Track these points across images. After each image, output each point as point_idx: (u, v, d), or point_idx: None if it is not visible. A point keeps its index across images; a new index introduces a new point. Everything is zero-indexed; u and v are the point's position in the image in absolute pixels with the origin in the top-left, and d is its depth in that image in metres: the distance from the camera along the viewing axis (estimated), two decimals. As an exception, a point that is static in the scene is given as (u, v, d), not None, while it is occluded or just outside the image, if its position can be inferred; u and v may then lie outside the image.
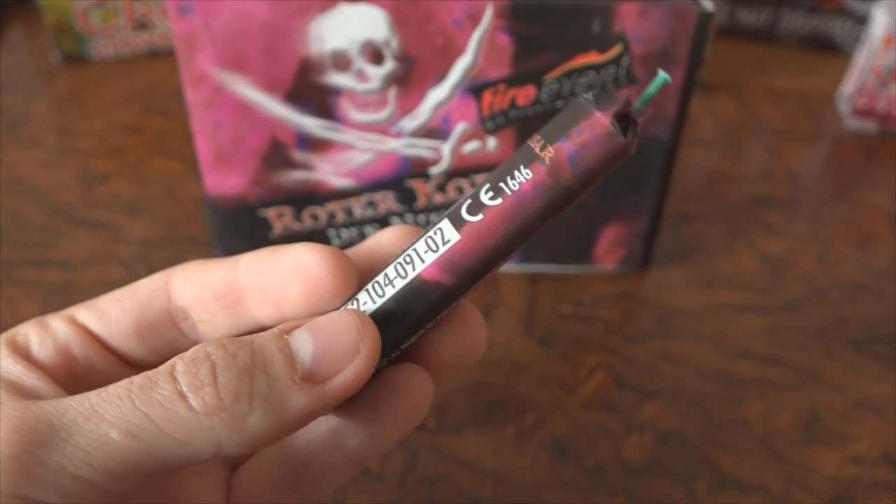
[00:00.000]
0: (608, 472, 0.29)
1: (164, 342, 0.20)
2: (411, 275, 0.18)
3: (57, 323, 0.19)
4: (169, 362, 0.16)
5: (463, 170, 0.34)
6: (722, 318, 0.36)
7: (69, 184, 0.43)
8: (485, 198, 0.17)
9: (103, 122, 0.49)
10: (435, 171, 0.34)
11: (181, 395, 0.16)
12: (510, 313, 0.36)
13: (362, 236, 0.36)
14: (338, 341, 0.17)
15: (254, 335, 0.17)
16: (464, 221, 0.17)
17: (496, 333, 0.34)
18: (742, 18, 0.62)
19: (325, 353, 0.17)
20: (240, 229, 0.35)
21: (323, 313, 0.18)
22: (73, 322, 0.19)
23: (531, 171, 0.17)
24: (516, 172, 0.17)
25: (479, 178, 0.34)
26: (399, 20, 0.30)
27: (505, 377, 0.33)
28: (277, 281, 0.18)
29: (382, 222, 0.36)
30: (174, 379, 0.16)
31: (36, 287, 0.36)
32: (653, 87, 0.16)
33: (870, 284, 0.39)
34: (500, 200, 0.17)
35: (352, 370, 0.17)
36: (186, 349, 0.20)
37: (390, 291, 0.18)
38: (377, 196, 0.35)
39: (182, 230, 0.40)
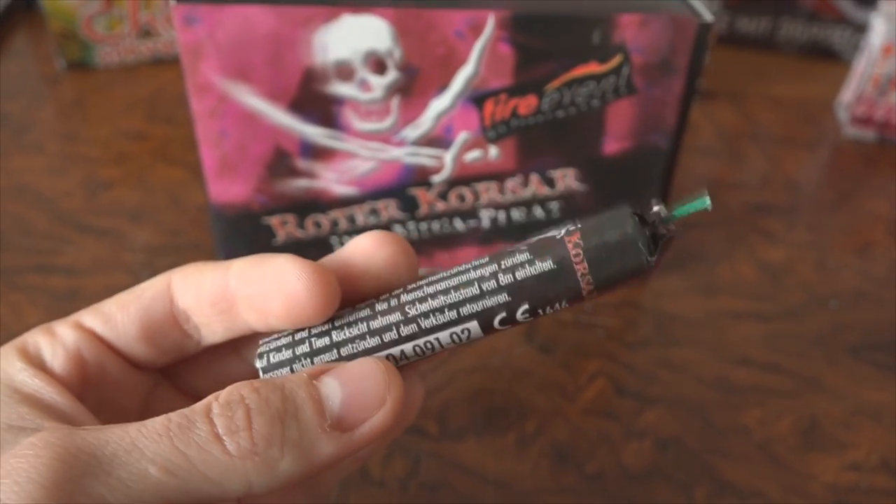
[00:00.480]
0: (608, 478, 0.29)
1: (170, 342, 0.20)
2: (429, 354, 0.19)
3: (64, 329, 0.20)
4: (205, 402, 0.17)
5: (465, 178, 0.34)
6: (721, 326, 0.36)
7: (74, 190, 0.43)
8: (521, 317, 0.17)
9: (108, 129, 0.49)
10: (437, 179, 0.34)
11: (217, 437, 0.16)
12: (511, 320, 0.36)
13: (365, 243, 0.36)
14: (365, 390, 0.18)
15: (285, 378, 0.18)
16: (494, 329, 0.18)
17: (497, 340, 0.35)
18: (742, 26, 0.62)
19: (353, 401, 0.17)
20: (243, 237, 0.36)
21: (303, 326, 0.19)
22: (80, 327, 0.20)
23: (570, 304, 0.17)
24: (558, 306, 0.17)
25: (480, 186, 0.35)
26: (401, 31, 0.30)
27: (506, 384, 0.33)
28: (262, 292, 0.19)
29: (385, 230, 0.36)
30: (211, 421, 0.16)
31: (40, 293, 0.36)
32: (691, 208, 0.16)
33: (868, 291, 0.39)
34: (531, 318, 0.18)
35: (378, 419, 0.18)
36: (192, 348, 0.21)
37: (405, 363, 0.19)
38: (380, 204, 0.35)
39: (186, 237, 0.40)
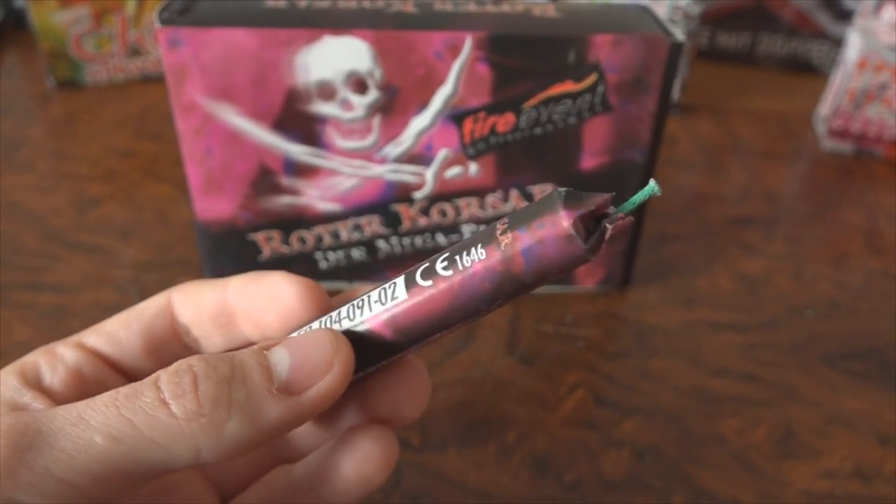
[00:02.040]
0: (587, 487, 0.30)
1: (172, 355, 0.21)
2: (357, 319, 0.19)
3: (64, 349, 0.20)
4: (154, 374, 0.17)
5: (446, 194, 0.35)
6: (699, 336, 0.37)
7: (63, 208, 0.44)
8: (439, 266, 0.17)
9: (97, 147, 0.50)
10: (419, 195, 0.35)
11: (163, 402, 0.16)
12: (493, 333, 0.37)
13: (349, 259, 0.37)
14: (313, 355, 0.18)
15: (235, 351, 0.18)
16: (415, 283, 0.17)
17: (479, 352, 0.35)
18: (722, 41, 0.64)
19: (301, 366, 0.18)
20: (229, 253, 0.36)
21: None
22: (82, 347, 0.21)
23: (485, 252, 0.16)
24: (472, 250, 0.16)
25: (461, 202, 0.35)
26: (381, 51, 0.31)
27: (487, 395, 0.33)
28: (259, 307, 0.20)
29: (368, 245, 0.37)
30: (157, 388, 0.17)
31: (30, 310, 0.37)
32: (640, 197, 0.16)
33: (844, 302, 0.40)
34: (451, 272, 0.17)
35: (325, 383, 0.18)
36: None
37: (337, 329, 0.19)
38: (363, 220, 0.36)
39: (173, 253, 0.41)
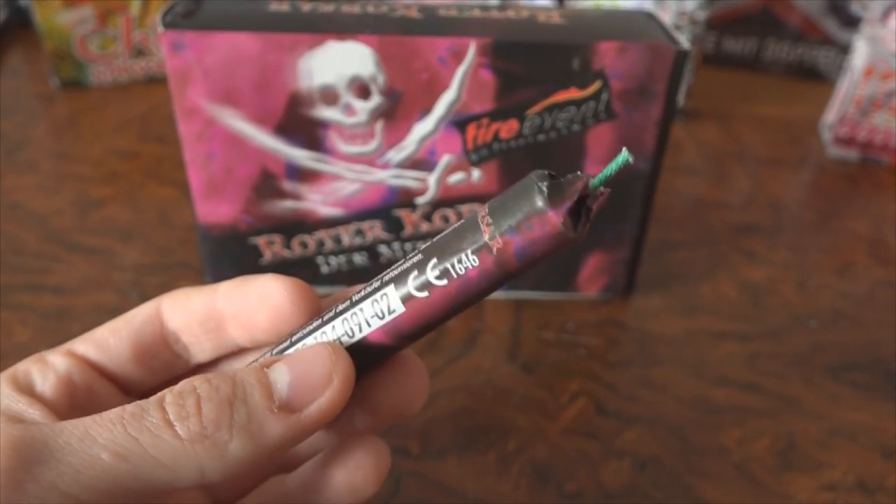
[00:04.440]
0: (587, 497, 0.30)
1: (161, 363, 0.21)
2: (357, 337, 0.19)
3: (55, 357, 0.21)
4: (159, 393, 0.18)
5: (448, 200, 0.35)
6: (702, 345, 0.37)
7: (65, 209, 0.44)
8: (432, 276, 0.17)
9: (100, 148, 0.50)
10: (421, 200, 0.35)
11: (168, 423, 0.17)
12: (494, 339, 0.36)
13: (350, 264, 0.37)
14: (312, 371, 0.18)
15: (237, 369, 0.18)
16: (410, 295, 0.18)
17: (480, 359, 0.35)
18: (728, 47, 0.63)
19: (301, 383, 0.18)
20: (230, 257, 0.36)
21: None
22: (72, 354, 0.21)
23: (478, 258, 0.17)
24: (464, 257, 0.17)
25: (464, 208, 0.35)
26: (385, 57, 0.31)
27: (488, 403, 0.33)
28: (248, 308, 0.20)
29: (370, 250, 0.36)
30: (163, 408, 0.17)
31: (30, 312, 0.37)
32: (613, 167, 0.16)
33: (848, 312, 0.40)
34: (445, 282, 0.17)
35: (325, 399, 0.18)
36: (182, 368, 0.22)
37: (344, 343, 0.19)
38: (365, 225, 0.36)
39: (175, 256, 0.41)
